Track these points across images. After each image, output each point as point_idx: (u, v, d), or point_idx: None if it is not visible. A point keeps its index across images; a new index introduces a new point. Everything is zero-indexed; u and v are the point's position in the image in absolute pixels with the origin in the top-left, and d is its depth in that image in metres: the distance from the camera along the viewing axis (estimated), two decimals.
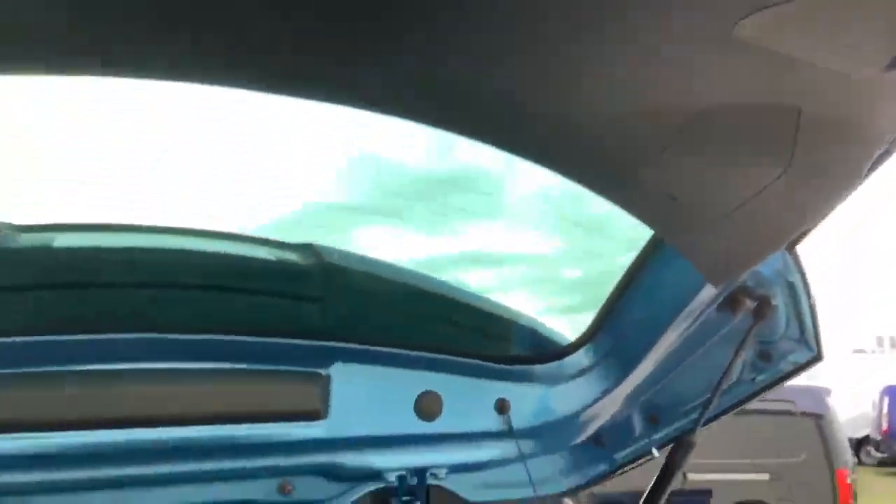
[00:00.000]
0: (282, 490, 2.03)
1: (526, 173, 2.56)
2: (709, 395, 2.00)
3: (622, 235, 2.13)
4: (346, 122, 2.04)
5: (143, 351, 1.76)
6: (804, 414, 10.49)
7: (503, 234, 2.56)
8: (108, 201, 1.86)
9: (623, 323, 2.09)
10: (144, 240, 1.90)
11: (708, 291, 1.91)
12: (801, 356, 2.09)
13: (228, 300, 1.92)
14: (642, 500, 2.13)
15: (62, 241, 1.84)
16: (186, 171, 1.95)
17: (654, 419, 2.21)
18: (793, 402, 10.57)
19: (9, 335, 1.66)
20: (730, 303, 1.96)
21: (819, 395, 10.52)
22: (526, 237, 2.64)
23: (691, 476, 11.18)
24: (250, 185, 2.01)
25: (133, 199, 1.87)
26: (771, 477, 10.90)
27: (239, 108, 1.81)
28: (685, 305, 1.94)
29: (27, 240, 1.78)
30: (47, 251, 1.82)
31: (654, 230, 1.80)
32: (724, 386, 2.00)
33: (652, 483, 2.12)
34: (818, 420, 10.48)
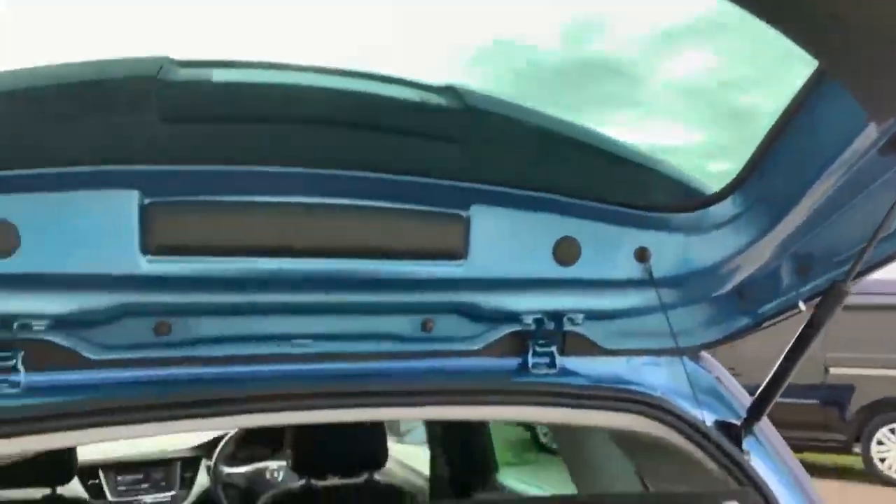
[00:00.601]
0: (424, 327, 2.11)
1: (671, 61, 2.44)
2: (864, 245, 1.90)
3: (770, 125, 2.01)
4: (478, 7, 2.00)
5: (292, 184, 1.83)
6: None
7: (647, 124, 2.49)
8: (258, 40, 1.92)
9: (775, 169, 1.99)
10: (293, 77, 1.95)
11: (871, 132, 1.79)
12: None
13: (373, 139, 1.96)
14: (784, 353, 2.09)
15: (219, 75, 1.92)
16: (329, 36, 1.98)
17: (803, 270, 2.13)
18: None
19: (171, 164, 1.77)
20: (894, 144, 1.83)
21: None
22: (671, 128, 2.55)
23: (833, 370, 10.88)
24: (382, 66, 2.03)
25: (281, 40, 1.92)
26: None
27: None
28: (845, 147, 1.83)
29: (186, 74, 1.86)
30: (206, 85, 1.90)
31: (818, 60, 1.69)
32: (883, 235, 1.90)
33: (796, 336, 2.07)
34: None
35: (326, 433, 3.25)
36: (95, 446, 4.59)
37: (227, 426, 1.94)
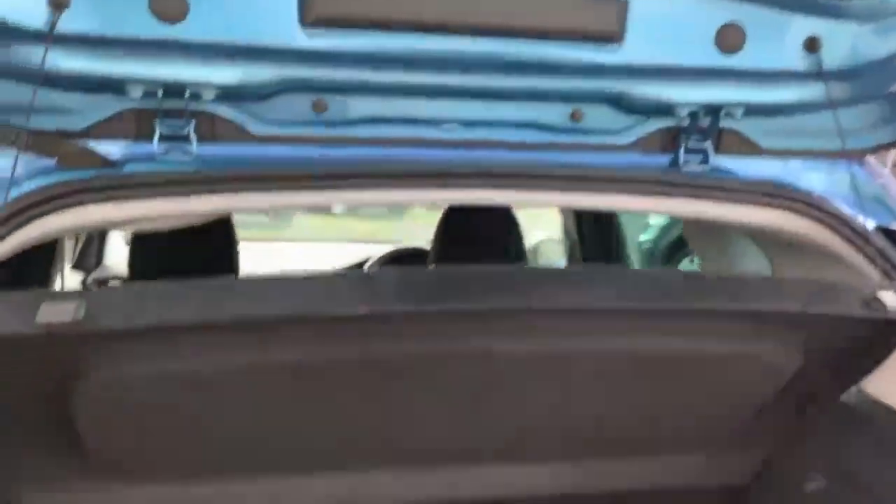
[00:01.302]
0: (572, 117, 2.08)
1: None
2: None
3: None
4: None
5: None
6: None
7: None
8: None
9: None
10: None
11: None
12: None
13: None
14: None
15: None
16: None
17: None
18: None
19: None
20: None
21: None
22: None
23: None
24: None
25: None
26: None
27: None
28: None
29: None
30: None
31: None
32: None
33: None
34: None
35: (469, 242, 3.33)
36: (255, 265, 4.91)
37: (375, 200, 2.00)
